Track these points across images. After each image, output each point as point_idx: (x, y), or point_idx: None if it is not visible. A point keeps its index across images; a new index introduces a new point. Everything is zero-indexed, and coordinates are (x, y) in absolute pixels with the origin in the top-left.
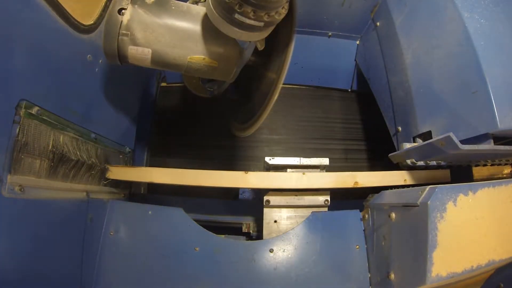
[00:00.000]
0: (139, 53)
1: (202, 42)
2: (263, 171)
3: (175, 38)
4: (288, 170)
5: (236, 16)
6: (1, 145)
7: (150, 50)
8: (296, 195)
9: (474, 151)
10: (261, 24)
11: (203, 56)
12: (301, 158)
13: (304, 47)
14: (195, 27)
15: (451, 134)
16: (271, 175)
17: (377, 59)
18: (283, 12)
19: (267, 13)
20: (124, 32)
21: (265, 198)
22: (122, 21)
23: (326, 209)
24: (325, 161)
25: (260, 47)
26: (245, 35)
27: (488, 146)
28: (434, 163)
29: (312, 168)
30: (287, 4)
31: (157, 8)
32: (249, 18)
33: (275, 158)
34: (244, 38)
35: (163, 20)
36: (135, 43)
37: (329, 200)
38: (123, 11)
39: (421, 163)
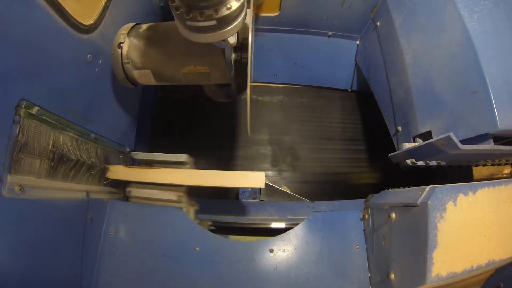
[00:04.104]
0: (142, 74)
1: (189, 54)
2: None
3: (165, 56)
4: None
5: (189, 23)
6: (1, 145)
7: (149, 71)
8: (159, 190)
9: (474, 151)
10: (214, 22)
11: (193, 65)
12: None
13: (304, 47)
14: (180, 43)
15: (451, 134)
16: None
17: (377, 59)
18: (235, 4)
19: (215, 10)
20: (126, 61)
21: (127, 189)
22: (122, 52)
23: (181, 205)
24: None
25: (231, 44)
26: (210, 37)
27: (488, 146)
28: (434, 163)
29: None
30: None
31: (148, 33)
32: (199, 21)
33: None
34: (211, 40)
35: (153, 44)
36: (136, 67)
37: (182, 195)
38: (121, 44)
39: (421, 163)
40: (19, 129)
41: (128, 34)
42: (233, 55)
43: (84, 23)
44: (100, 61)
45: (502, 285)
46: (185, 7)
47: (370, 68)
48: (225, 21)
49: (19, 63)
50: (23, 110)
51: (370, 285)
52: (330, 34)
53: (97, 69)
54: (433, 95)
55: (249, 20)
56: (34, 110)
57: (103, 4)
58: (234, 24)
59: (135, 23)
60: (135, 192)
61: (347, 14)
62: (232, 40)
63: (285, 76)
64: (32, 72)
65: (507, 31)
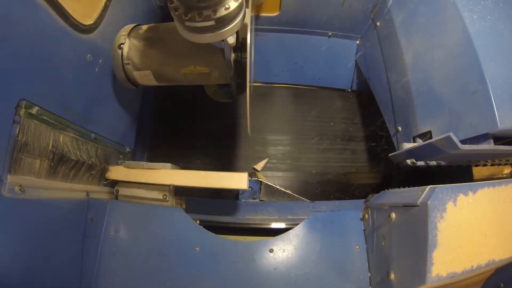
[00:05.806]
0: (143, 75)
1: (188, 54)
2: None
3: (165, 56)
4: None
5: (187, 24)
6: (1, 145)
7: (150, 71)
8: (145, 189)
9: (474, 151)
10: (212, 22)
11: (193, 65)
12: None
13: (304, 47)
14: (180, 43)
15: (451, 134)
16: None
17: (377, 59)
18: (233, 4)
19: (213, 11)
20: (126, 62)
21: (116, 187)
22: (122, 53)
23: (167, 203)
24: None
25: (231, 44)
26: (208, 37)
27: (488, 146)
28: (434, 163)
29: None
30: None
31: (148, 34)
32: (197, 21)
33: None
34: (209, 40)
35: (153, 45)
36: (137, 68)
37: (167, 194)
38: (121, 45)
39: (421, 163)
40: (19, 129)
41: (129, 35)
42: (233, 55)
43: (84, 23)
44: (100, 61)
45: (502, 285)
46: (184, 8)
47: (370, 68)
48: (223, 21)
49: (19, 63)
50: (23, 110)
51: (370, 285)
52: (330, 34)
53: (97, 69)
54: (433, 95)
55: (248, 20)
56: (34, 110)
57: (103, 4)
58: (233, 24)
59: (135, 24)
60: (123, 190)
61: (347, 14)
62: (231, 40)
63: (285, 76)
64: (32, 72)
65: (507, 31)
